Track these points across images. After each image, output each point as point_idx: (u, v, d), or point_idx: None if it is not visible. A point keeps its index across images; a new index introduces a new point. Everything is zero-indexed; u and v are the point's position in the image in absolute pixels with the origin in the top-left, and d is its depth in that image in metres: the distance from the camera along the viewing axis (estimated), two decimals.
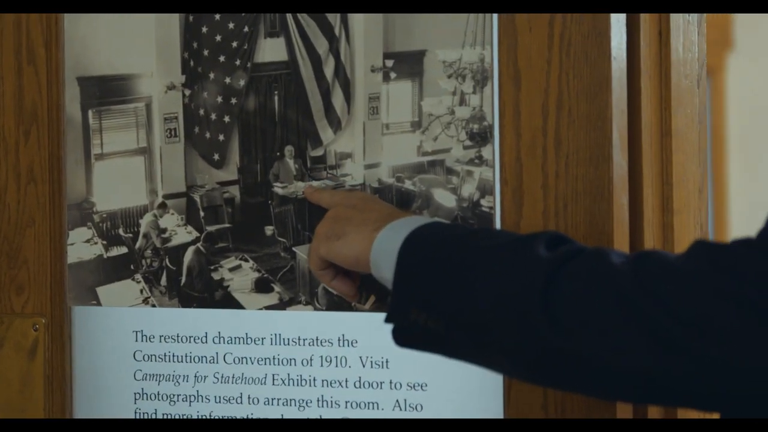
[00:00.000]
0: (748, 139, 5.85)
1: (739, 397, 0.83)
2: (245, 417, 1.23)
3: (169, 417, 1.28)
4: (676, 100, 1.20)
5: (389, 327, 0.96)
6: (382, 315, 0.98)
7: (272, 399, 1.24)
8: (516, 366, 0.93)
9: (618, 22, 1.12)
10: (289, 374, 1.23)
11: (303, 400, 1.22)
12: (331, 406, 1.20)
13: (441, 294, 0.94)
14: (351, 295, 1.10)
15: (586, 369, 0.88)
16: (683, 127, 1.20)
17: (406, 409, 1.15)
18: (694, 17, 1.22)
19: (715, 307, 0.82)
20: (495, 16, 1.13)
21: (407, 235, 0.97)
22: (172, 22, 1.29)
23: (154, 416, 1.29)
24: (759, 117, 6.07)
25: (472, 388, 1.14)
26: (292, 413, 1.21)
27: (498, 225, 1.14)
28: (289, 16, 1.22)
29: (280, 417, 1.21)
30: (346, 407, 1.18)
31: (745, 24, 6.26)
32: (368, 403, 1.18)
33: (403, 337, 0.96)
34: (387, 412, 1.16)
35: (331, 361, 1.21)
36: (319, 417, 1.20)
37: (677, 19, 1.19)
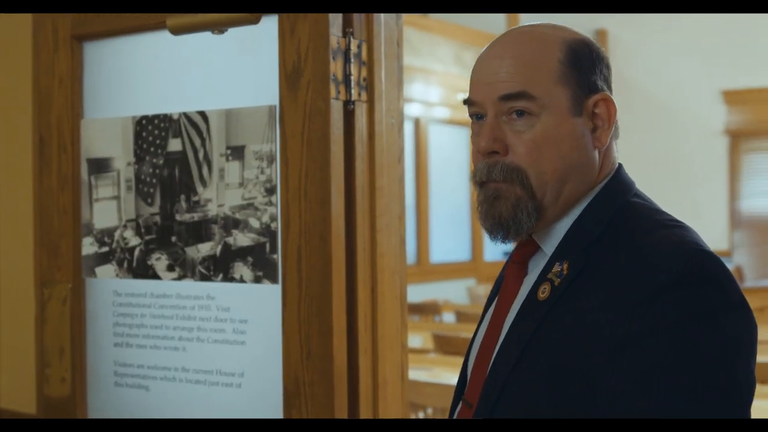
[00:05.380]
0: None
1: None
2: (163, 336, 1.91)
3: (128, 335, 1.95)
4: (380, 170, 1.77)
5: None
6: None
7: (176, 327, 1.89)
8: None
9: (338, 129, 1.69)
10: (183, 314, 1.89)
11: (191, 327, 1.87)
12: (204, 330, 1.85)
13: None
14: None
15: None
16: (386, 185, 1.80)
17: (236, 332, 1.81)
18: (396, 126, 1.80)
19: None
20: (278, 127, 1.74)
21: None
22: (128, 128, 1.93)
23: (126, 334, 1.93)
24: None
25: (266, 322, 1.78)
26: (185, 333, 1.87)
27: (279, 237, 1.73)
28: (183, 126, 1.83)
29: (179, 336, 1.87)
30: (209, 332, 1.84)
31: None
32: (220, 329, 1.83)
33: None
34: (228, 334, 1.81)
35: (203, 307, 1.86)
36: (197, 337, 1.88)
37: (381, 128, 1.76)
